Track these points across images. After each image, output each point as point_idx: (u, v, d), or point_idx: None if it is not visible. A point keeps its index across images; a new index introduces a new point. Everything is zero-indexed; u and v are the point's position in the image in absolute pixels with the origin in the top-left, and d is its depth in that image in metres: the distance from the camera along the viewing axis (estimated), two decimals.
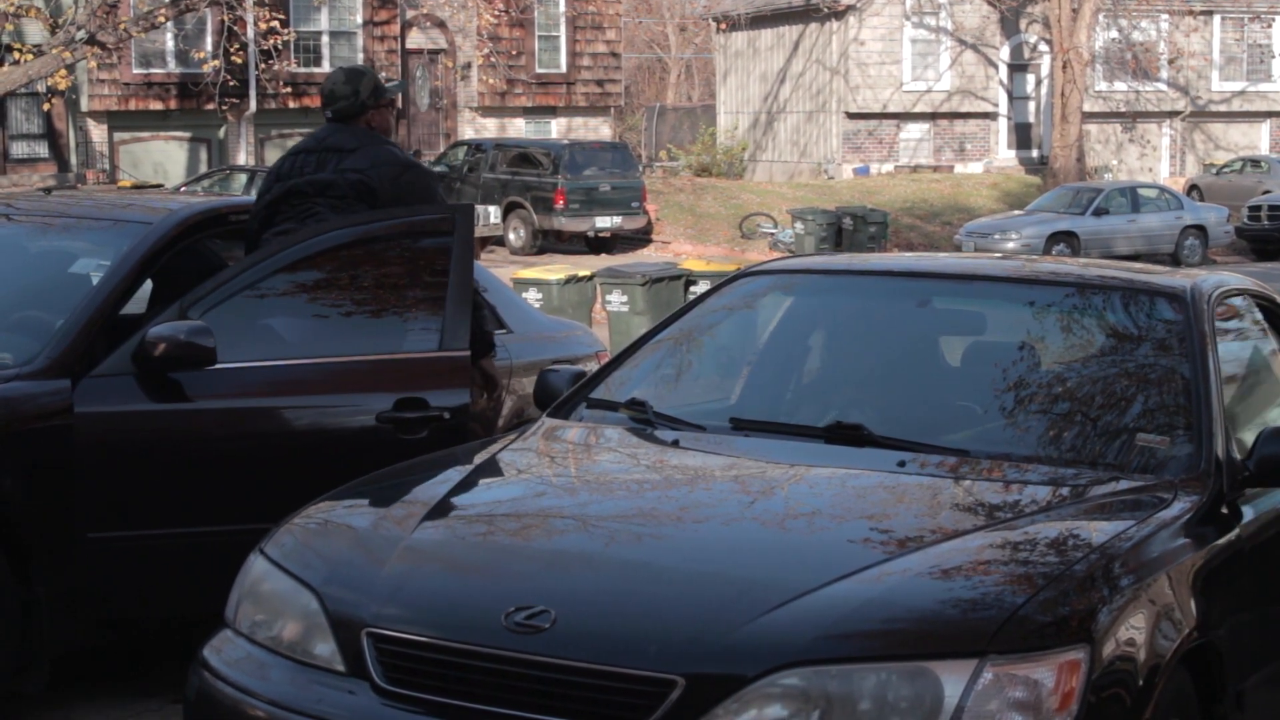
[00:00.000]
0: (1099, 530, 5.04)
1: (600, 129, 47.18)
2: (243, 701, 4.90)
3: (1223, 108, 53.86)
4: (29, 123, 39.87)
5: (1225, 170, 47.27)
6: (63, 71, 31.38)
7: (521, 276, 21.30)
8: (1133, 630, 4.68)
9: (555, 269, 21.55)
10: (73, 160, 39.93)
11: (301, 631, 4.94)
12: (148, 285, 8.02)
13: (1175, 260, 36.06)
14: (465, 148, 39.26)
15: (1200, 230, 37.39)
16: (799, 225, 36.88)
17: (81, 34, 30.52)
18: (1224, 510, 5.51)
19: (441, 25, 44.30)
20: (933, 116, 50.62)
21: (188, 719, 5.21)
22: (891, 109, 50.05)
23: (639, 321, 19.66)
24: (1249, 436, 5.91)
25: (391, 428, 7.40)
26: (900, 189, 45.58)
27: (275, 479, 7.15)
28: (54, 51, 30.76)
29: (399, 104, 8.14)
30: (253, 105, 40.68)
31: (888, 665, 4.35)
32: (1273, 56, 53.88)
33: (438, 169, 36.94)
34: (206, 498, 7.15)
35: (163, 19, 32.21)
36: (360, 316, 7.78)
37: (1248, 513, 5.68)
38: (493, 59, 43.41)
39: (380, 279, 7.81)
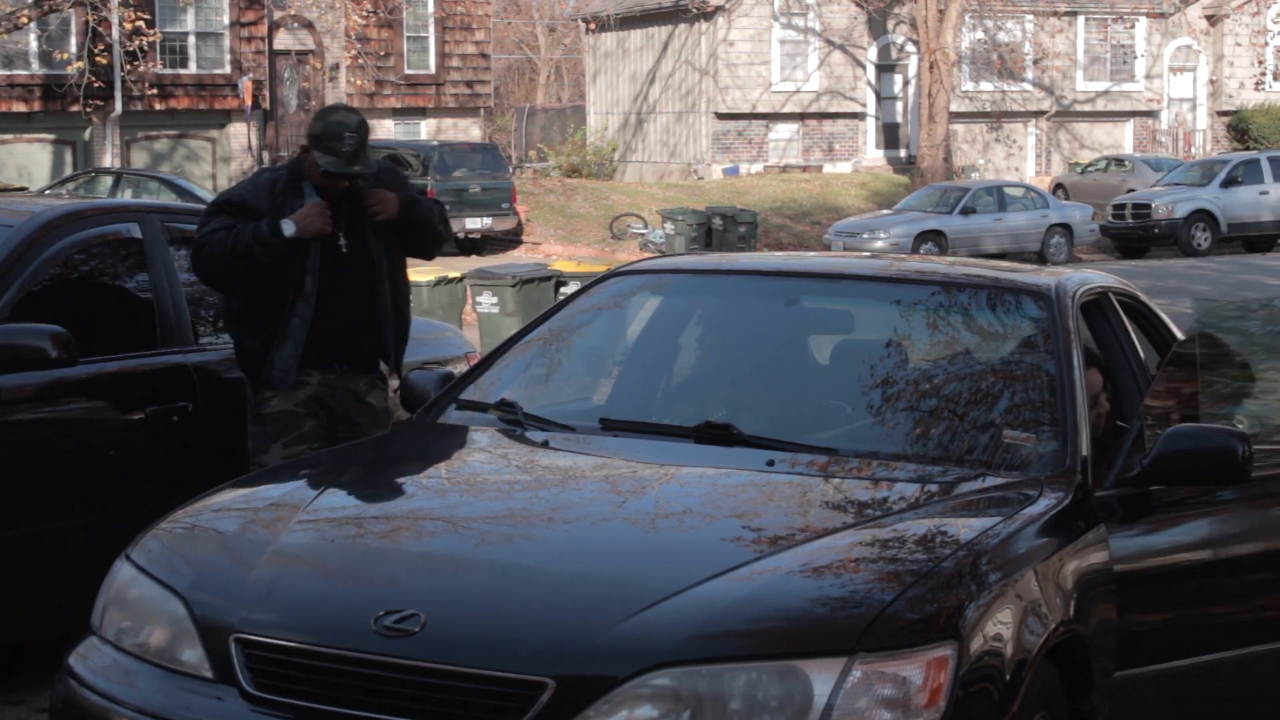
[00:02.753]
0: (966, 527, 5.07)
1: (470, 130, 47.05)
2: (110, 710, 4.85)
3: (1087, 107, 54.47)
4: None
5: (1090, 169, 47.85)
6: None
7: None
8: (1000, 626, 4.71)
9: (425, 270, 21.41)
10: None
11: (168, 638, 4.89)
12: None
13: (1041, 258, 36.41)
14: None
15: (1066, 229, 37.78)
16: (669, 225, 36.96)
17: None
18: (1090, 505, 5.55)
19: (309, 26, 44.01)
20: (801, 117, 50.86)
21: None
22: (760, 109, 50.25)
23: (509, 323, 19.59)
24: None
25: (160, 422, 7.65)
26: (769, 189, 45.77)
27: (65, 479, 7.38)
28: None
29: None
30: (118, 107, 40.19)
31: (758, 665, 4.36)
32: (1136, 57, 54.55)
33: None
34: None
35: (25, 20, 31.83)
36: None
37: (1118, 508, 5.71)
38: (361, 60, 43.17)
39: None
